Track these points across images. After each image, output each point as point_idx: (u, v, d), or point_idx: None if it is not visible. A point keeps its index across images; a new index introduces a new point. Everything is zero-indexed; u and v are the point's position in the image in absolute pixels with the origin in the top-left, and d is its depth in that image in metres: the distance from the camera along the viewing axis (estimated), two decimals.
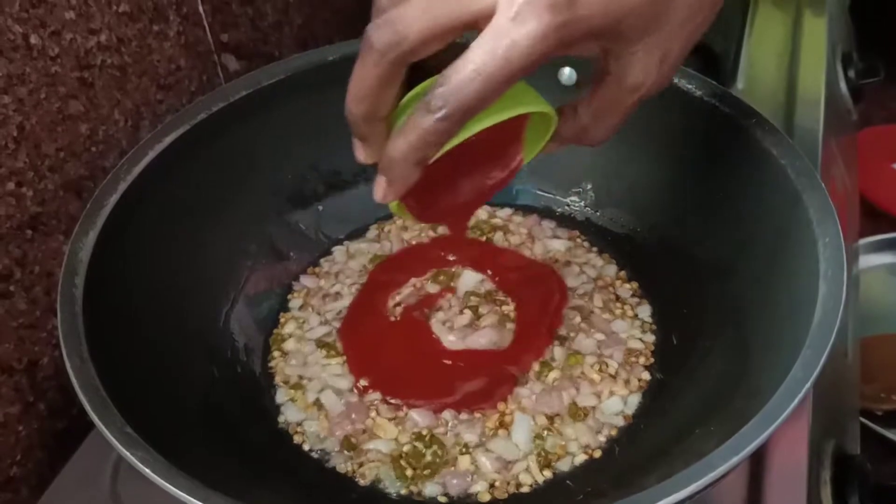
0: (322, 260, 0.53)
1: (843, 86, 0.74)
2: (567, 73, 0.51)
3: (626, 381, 0.44)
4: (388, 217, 0.55)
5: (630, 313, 0.48)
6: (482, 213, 0.55)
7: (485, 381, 0.44)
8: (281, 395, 0.45)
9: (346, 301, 0.50)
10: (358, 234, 0.54)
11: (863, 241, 0.99)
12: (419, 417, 0.43)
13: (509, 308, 0.48)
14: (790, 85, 0.63)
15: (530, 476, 0.40)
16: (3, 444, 0.43)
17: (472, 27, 0.28)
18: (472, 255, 0.51)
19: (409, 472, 0.41)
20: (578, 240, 0.53)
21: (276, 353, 0.47)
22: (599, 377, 0.44)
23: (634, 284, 0.50)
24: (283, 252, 0.52)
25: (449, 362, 0.45)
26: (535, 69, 0.28)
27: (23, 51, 0.41)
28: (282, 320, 0.49)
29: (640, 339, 0.46)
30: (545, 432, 0.42)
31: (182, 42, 0.52)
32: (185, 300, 0.45)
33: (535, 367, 0.45)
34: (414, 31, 0.28)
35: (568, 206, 0.55)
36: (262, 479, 0.39)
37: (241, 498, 0.30)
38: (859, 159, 0.82)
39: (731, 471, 0.29)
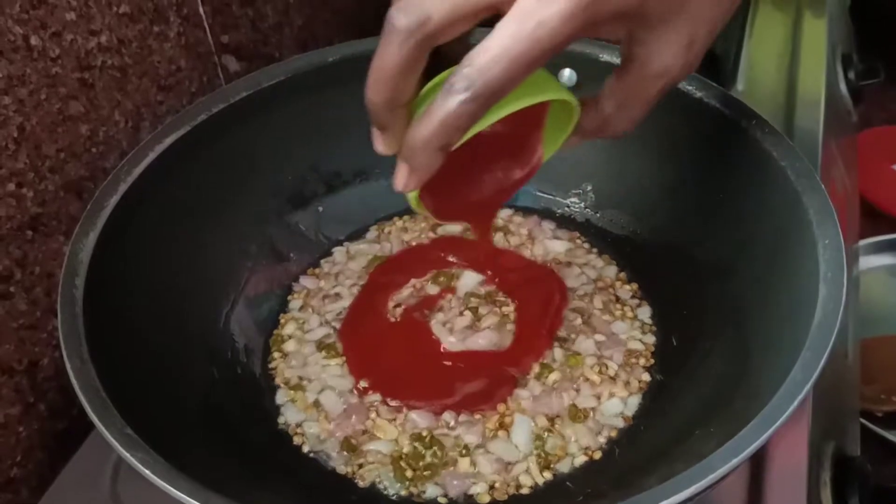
0: (322, 261, 0.53)
1: (843, 87, 0.74)
2: (567, 75, 0.51)
3: (626, 383, 0.44)
4: (388, 218, 0.55)
5: (630, 314, 0.48)
6: None
7: (485, 383, 0.44)
8: (281, 396, 0.45)
9: (346, 302, 0.50)
10: (358, 235, 0.54)
11: (863, 243, 0.99)
12: (419, 419, 0.43)
13: (509, 309, 0.48)
14: (790, 86, 0.63)
15: (530, 477, 0.40)
16: (3, 444, 0.43)
17: (497, 8, 0.28)
18: (472, 256, 0.51)
19: (408, 474, 0.41)
20: (578, 241, 0.53)
21: (276, 355, 0.47)
22: (599, 378, 0.44)
23: (634, 286, 0.50)
24: (284, 253, 0.52)
25: (449, 363, 0.46)
26: (560, 50, 0.27)
27: (23, 52, 0.41)
28: (282, 321, 0.49)
29: (640, 341, 0.46)
30: (545, 434, 0.42)
31: (182, 43, 0.52)
32: (186, 301, 0.45)
33: (535, 368, 0.45)
34: (439, 12, 0.27)
35: (568, 207, 0.55)
36: (261, 481, 0.39)
37: (241, 499, 0.30)
38: (859, 160, 0.82)
39: (731, 472, 0.29)
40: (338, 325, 0.49)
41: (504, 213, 0.55)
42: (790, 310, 0.37)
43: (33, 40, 0.41)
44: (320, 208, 0.54)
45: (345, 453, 0.42)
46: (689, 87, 0.45)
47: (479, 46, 0.27)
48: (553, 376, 0.44)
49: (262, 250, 0.51)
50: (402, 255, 0.53)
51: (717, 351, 0.42)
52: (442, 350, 0.46)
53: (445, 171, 0.31)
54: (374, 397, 0.44)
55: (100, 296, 0.37)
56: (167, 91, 0.52)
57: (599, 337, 0.46)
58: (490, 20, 0.28)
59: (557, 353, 0.46)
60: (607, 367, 0.45)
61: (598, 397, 0.44)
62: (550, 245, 0.53)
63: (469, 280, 0.50)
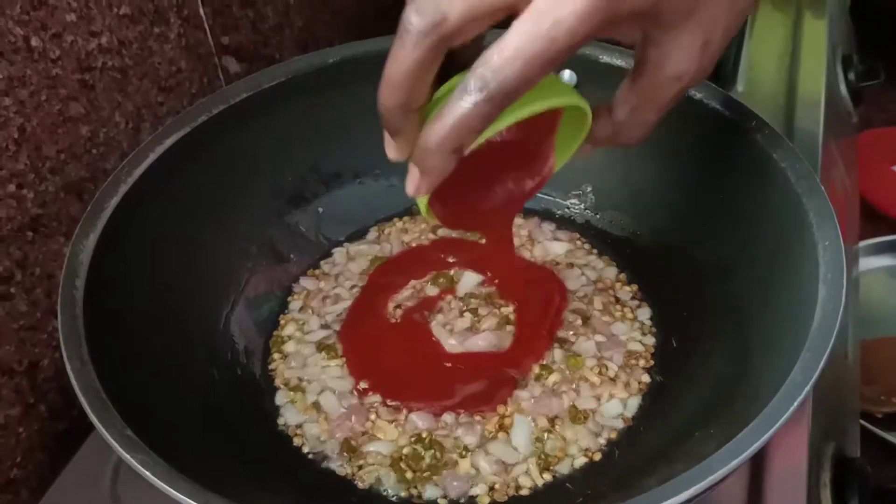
0: (322, 262, 0.53)
1: (843, 88, 0.74)
2: (567, 76, 0.51)
3: (626, 384, 0.44)
4: (388, 219, 0.55)
5: (630, 316, 0.48)
6: None
7: (485, 384, 0.44)
8: (281, 398, 0.45)
9: (346, 303, 0.50)
10: (358, 236, 0.54)
11: (863, 244, 0.99)
12: (419, 420, 0.43)
13: (509, 310, 0.48)
14: (790, 87, 0.63)
15: (530, 479, 0.40)
16: (3, 445, 0.43)
17: (513, 9, 0.27)
18: (472, 258, 0.51)
19: (408, 475, 0.41)
20: (578, 242, 0.53)
21: (275, 356, 0.47)
22: (599, 380, 0.44)
23: (634, 287, 0.50)
24: (284, 254, 0.52)
25: (449, 365, 0.46)
26: (575, 51, 0.27)
27: (24, 53, 0.41)
28: (282, 322, 0.49)
29: (640, 342, 0.46)
30: (545, 435, 0.42)
31: (183, 44, 0.53)
32: (186, 302, 0.45)
33: (535, 369, 0.45)
34: (454, 12, 0.27)
35: (568, 208, 0.55)
36: (261, 481, 0.39)
37: (241, 500, 0.30)
38: (859, 161, 0.82)
39: (731, 473, 0.29)
40: (338, 327, 0.49)
41: None
42: (790, 311, 0.37)
43: (34, 41, 0.41)
44: (320, 209, 0.54)
45: (345, 454, 0.42)
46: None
47: (494, 46, 0.27)
48: (553, 378, 0.44)
49: (262, 251, 0.51)
50: (402, 257, 0.53)
51: (716, 352, 0.42)
52: (442, 351, 0.46)
53: (457, 178, 0.30)
54: (374, 398, 0.44)
55: (100, 297, 0.38)
56: (167, 92, 0.52)
57: (599, 338, 0.46)
58: (505, 21, 0.28)
59: (557, 354, 0.46)
60: (607, 369, 0.45)
61: (598, 399, 0.44)
62: (550, 246, 0.53)
63: (469, 281, 0.50)
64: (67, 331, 0.35)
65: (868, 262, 1.00)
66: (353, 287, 0.51)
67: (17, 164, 0.42)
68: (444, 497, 0.40)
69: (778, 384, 0.32)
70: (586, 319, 0.48)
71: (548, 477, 0.41)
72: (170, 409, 0.39)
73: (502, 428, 0.42)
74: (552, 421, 0.43)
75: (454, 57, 0.29)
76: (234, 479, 0.38)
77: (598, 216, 0.54)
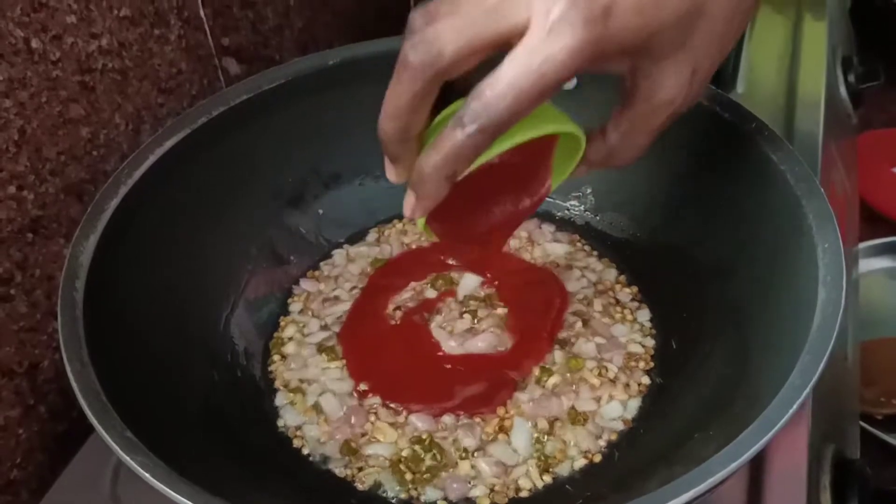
0: (322, 264, 0.53)
1: (843, 90, 0.74)
2: None
3: (626, 386, 0.44)
4: (388, 221, 0.55)
5: (630, 317, 0.48)
6: None
7: (484, 386, 0.44)
8: (281, 399, 0.45)
9: (345, 305, 0.50)
10: (358, 237, 0.55)
11: (863, 245, 0.99)
12: (419, 422, 0.43)
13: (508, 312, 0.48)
14: (790, 89, 0.63)
15: (530, 481, 0.40)
16: (3, 447, 0.43)
17: (506, 44, 0.29)
18: (471, 259, 0.51)
19: (408, 477, 0.41)
20: (578, 244, 0.53)
21: (275, 357, 0.48)
22: (599, 381, 0.44)
23: (634, 289, 0.50)
24: (284, 256, 0.52)
25: (449, 366, 0.46)
26: (564, 84, 0.28)
27: (24, 55, 0.41)
28: (282, 324, 0.49)
29: (640, 344, 0.46)
30: (545, 437, 0.42)
31: (183, 46, 0.53)
32: (186, 304, 0.45)
33: (536, 371, 0.45)
34: (450, 48, 0.28)
35: (568, 210, 0.55)
36: (261, 483, 0.39)
37: (241, 502, 0.30)
38: (859, 163, 0.82)
39: (731, 476, 0.29)
40: (337, 328, 0.49)
41: None
42: (790, 313, 0.37)
43: (34, 43, 0.41)
44: (320, 211, 0.54)
45: (344, 456, 0.42)
46: None
47: (487, 80, 0.28)
48: (553, 380, 0.44)
49: (262, 253, 0.51)
50: (401, 258, 0.53)
51: (716, 354, 0.42)
52: (442, 353, 0.46)
53: (454, 199, 0.32)
54: (374, 400, 0.44)
55: (100, 299, 0.38)
56: (168, 94, 0.52)
57: (599, 340, 0.46)
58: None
59: (558, 355, 0.46)
60: (607, 370, 0.45)
61: (598, 400, 0.44)
62: (550, 248, 0.53)
63: (469, 283, 0.50)
64: (67, 332, 0.35)
65: (868, 264, 1.00)
66: (352, 289, 0.51)
67: (18, 165, 0.42)
68: (444, 499, 0.40)
69: (778, 386, 0.32)
70: (586, 321, 0.48)
71: (547, 479, 0.41)
72: (170, 410, 0.39)
73: (502, 430, 0.42)
74: (552, 423, 0.43)
75: (452, 83, 0.31)
76: (234, 480, 0.38)
77: (598, 218, 0.54)
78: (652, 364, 0.45)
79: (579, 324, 0.47)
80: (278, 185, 0.52)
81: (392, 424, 0.43)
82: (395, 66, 0.30)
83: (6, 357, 0.43)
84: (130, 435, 0.31)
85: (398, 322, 0.48)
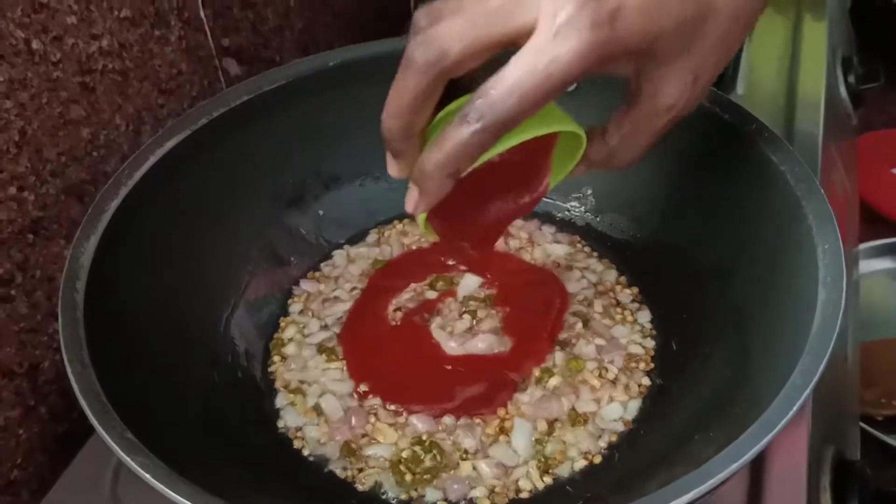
0: (322, 264, 0.53)
1: (843, 90, 0.74)
2: None
3: (626, 387, 0.44)
4: (388, 222, 0.55)
5: (630, 318, 0.48)
6: None
7: (485, 387, 0.44)
8: (281, 400, 0.45)
9: (346, 306, 0.50)
10: (358, 238, 0.55)
11: (863, 246, 0.99)
12: (419, 423, 0.43)
13: (508, 312, 0.48)
14: (790, 90, 0.63)
15: (530, 482, 0.40)
16: (3, 447, 0.43)
17: (512, 44, 0.29)
18: (472, 260, 0.51)
19: (408, 478, 0.41)
20: (579, 245, 0.53)
21: (276, 358, 0.48)
22: (599, 383, 0.44)
23: (634, 289, 0.50)
24: (284, 257, 0.52)
25: (449, 367, 0.46)
26: (569, 86, 0.28)
27: (24, 56, 0.41)
28: (282, 325, 0.49)
29: (641, 345, 0.46)
30: (545, 438, 0.42)
31: (183, 47, 0.53)
32: (186, 305, 0.45)
33: (536, 372, 0.45)
34: (456, 47, 0.29)
35: (568, 211, 0.55)
36: (261, 484, 0.39)
37: (241, 503, 0.30)
38: (859, 164, 0.82)
39: (731, 477, 0.29)
40: (338, 329, 0.49)
41: None
42: (790, 314, 0.37)
43: (34, 44, 0.41)
44: (320, 212, 0.54)
45: (345, 457, 0.42)
46: None
47: (494, 79, 0.28)
48: (553, 381, 0.44)
49: (262, 254, 0.51)
50: (402, 259, 0.53)
51: (716, 355, 0.42)
52: (442, 354, 0.46)
53: (455, 196, 0.32)
54: (374, 401, 0.44)
55: (101, 300, 0.38)
56: (168, 95, 0.52)
57: (600, 341, 0.46)
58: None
59: (558, 357, 0.46)
60: (607, 371, 0.45)
61: (598, 401, 0.44)
62: (551, 249, 0.53)
63: (469, 283, 0.50)
64: (68, 333, 0.35)
65: (868, 265, 1.00)
66: (353, 289, 0.51)
67: (18, 166, 0.42)
68: (445, 500, 0.40)
69: (778, 387, 0.32)
70: (587, 322, 0.48)
71: (548, 480, 0.41)
72: (170, 411, 0.39)
73: (502, 431, 0.42)
74: (552, 424, 0.43)
75: (456, 79, 0.31)
76: (235, 481, 0.38)
77: (598, 219, 0.54)
78: (652, 365, 0.45)
79: (580, 325, 0.47)
80: (279, 185, 0.52)
81: (392, 425, 0.43)
82: (400, 63, 0.30)
83: (7, 358, 0.43)
84: (131, 436, 0.31)
85: (398, 323, 0.48)
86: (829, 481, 0.42)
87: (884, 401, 0.84)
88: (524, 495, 0.40)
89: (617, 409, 0.43)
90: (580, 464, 0.41)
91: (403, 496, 0.40)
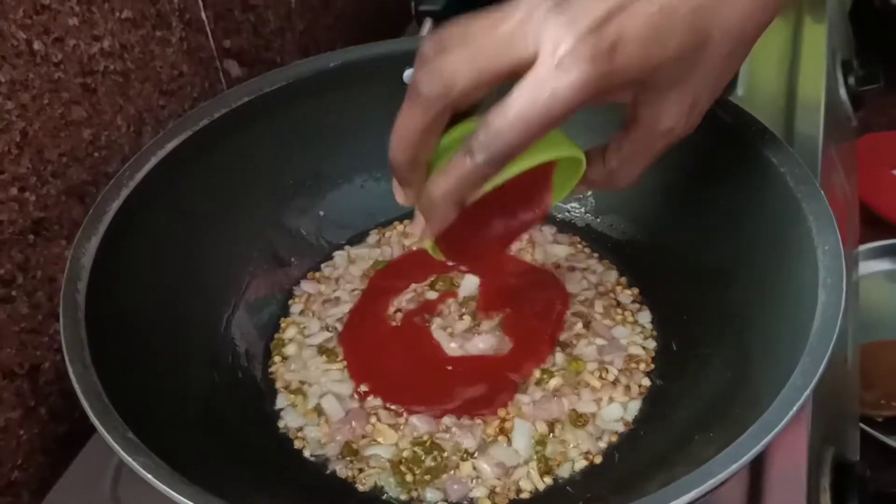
0: (323, 265, 0.53)
1: (842, 92, 0.74)
2: None
3: (627, 388, 0.44)
4: (389, 223, 0.55)
5: (631, 319, 0.48)
6: None
7: (485, 388, 0.44)
8: (281, 401, 0.45)
9: (346, 306, 0.50)
10: (359, 239, 0.55)
11: (863, 248, 0.99)
12: (419, 423, 0.43)
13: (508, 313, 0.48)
14: (790, 92, 0.63)
15: (530, 482, 0.40)
16: (4, 448, 0.43)
17: (515, 75, 0.29)
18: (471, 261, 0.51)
19: (409, 478, 0.41)
20: (579, 246, 0.53)
21: (276, 359, 0.48)
22: (600, 383, 0.44)
23: (635, 290, 0.50)
24: (284, 258, 0.52)
25: (450, 368, 0.46)
26: (570, 116, 0.29)
27: (26, 57, 0.41)
28: (282, 325, 0.49)
29: (641, 346, 0.46)
30: (546, 438, 0.42)
31: (184, 48, 0.53)
32: (187, 306, 0.45)
33: (536, 373, 0.45)
34: (461, 80, 0.29)
35: (568, 212, 0.55)
36: (262, 484, 0.39)
37: (242, 503, 0.30)
38: (859, 166, 0.82)
39: (731, 478, 0.29)
40: (339, 330, 0.49)
41: None
42: (790, 315, 0.37)
43: (36, 45, 0.41)
44: (321, 212, 0.54)
45: (345, 457, 0.42)
46: None
47: (496, 110, 0.29)
48: (554, 381, 0.44)
49: (263, 255, 0.51)
50: (402, 260, 0.53)
51: (716, 356, 0.42)
52: (443, 355, 0.46)
53: (461, 220, 0.33)
54: (375, 402, 0.44)
55: (102, 301, 0.38)
56: (169, 96, 0.52)
57: (600, 342, 0.46)
58: None
59: (558, 357, 0.46)
60: (608, 372, 0.45)
61: (599, 402, 0.44)
62: (551, 250, 0.53)
63: (470, 284, 0.50)
64: (69, 334, 0.35)
65: (868, 266, 1.00)
66: (353, 290, 0.51)
67: (20, 167, 0.42)
68: (445, 500, 0.40)
69: (778, 388, 0.32)
70: (587, 323, 0.48)
71: (548, 480, 0.41)
72: (171, 412, 0.39)
73: (503, 431, 0.43)
74: (552, 424, 0.43)
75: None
76: (235, 481, 0.38)
77: (598, 220, 0.54)
78: (652, 366, 0.45)
79: (580, 325, 0.47)
80: (279, 186, 0.52)
81: (393, 426, 0.43)
82: (407, 93, 0.31)
83: (7, 358, 0.43)
84: (132, 436, 0.32)
85: (399, 324, 0.49)
86: (828, 482, 0.42)
87: (883, 402, 0.84)
88: (525, 496, 0.40)
89: (617, 410, 0.43)
90: (581, 464, 0.41)
91: (404, 496, 0.40)
